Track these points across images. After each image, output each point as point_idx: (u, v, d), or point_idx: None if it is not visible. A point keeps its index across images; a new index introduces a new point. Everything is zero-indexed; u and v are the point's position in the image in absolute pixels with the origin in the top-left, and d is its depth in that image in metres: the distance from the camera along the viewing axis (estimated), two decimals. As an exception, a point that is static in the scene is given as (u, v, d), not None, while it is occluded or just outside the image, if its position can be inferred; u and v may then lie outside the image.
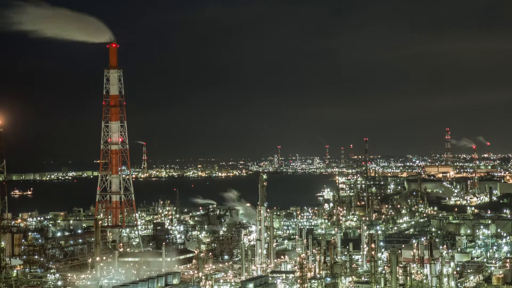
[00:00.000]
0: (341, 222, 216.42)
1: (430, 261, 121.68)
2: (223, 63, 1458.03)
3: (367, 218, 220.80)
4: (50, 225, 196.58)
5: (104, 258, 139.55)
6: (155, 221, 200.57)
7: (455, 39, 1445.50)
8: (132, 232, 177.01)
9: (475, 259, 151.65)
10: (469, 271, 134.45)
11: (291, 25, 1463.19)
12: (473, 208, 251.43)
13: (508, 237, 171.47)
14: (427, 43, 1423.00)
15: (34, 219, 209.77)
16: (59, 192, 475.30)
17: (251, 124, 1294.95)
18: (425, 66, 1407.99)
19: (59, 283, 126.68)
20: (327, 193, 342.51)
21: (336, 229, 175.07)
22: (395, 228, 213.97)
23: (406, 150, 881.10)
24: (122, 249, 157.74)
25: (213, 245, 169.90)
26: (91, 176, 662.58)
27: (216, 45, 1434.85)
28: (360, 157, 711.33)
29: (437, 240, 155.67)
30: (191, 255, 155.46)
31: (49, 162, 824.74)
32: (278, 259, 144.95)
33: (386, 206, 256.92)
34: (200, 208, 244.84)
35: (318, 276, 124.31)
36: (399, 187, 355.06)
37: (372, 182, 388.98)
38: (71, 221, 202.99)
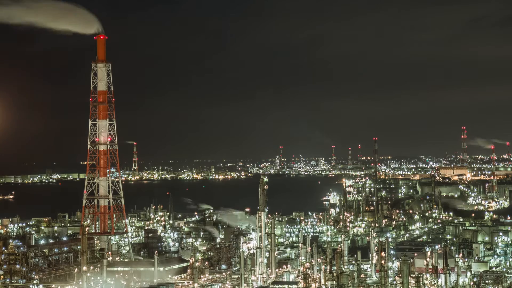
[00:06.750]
0: (348, 228, 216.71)
1: (445, 271, 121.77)
2: (219, 56, 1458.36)
3: (377, 224, 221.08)
4: (33, 231, 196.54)
5: (91, 267, 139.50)
6: (146, 228, 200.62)
7: (468, 36, 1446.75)
8: (122, 239, 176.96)
9: (494, 268, 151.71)
10: (487, 281, 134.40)
11: (285, 20, 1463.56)
12: (491, 214, 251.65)
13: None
14: (437, 37, 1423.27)
15: (16, 225, 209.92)
16: (42, 196, 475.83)
17: (251, 122, 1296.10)
18: (440, 61, 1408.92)
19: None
20: (333, 197, 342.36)
21: (343, 236, 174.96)
22: (407, 235, 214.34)
23: (419, 151, 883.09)
24: (110, 258, 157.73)
25: (209, 253, 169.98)
26: (77, 179, 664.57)
27: (212, 38, 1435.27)
28: (369, 158, 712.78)
29: (452, 248, 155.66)
30: (185, 264, 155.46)
31: (31, 163, 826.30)
32: (280, 269, 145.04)
33: (397, 211, 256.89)
34: (195, 213, 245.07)
35: (324, 287, 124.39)
36: (411, 191, 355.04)
37: (382, 185, 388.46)
38: (55, 228, 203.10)
